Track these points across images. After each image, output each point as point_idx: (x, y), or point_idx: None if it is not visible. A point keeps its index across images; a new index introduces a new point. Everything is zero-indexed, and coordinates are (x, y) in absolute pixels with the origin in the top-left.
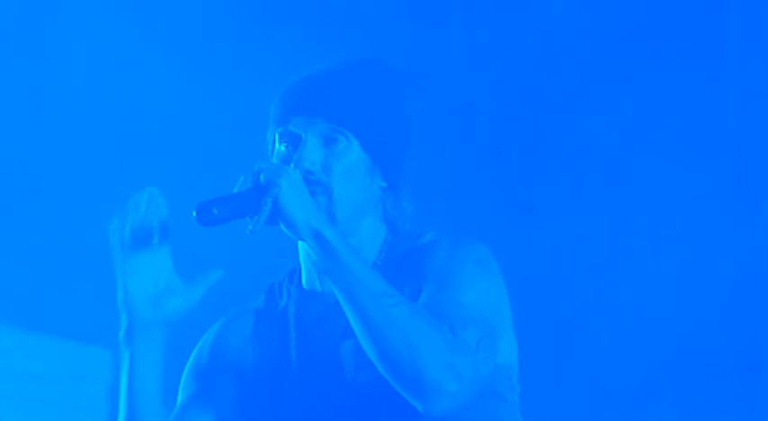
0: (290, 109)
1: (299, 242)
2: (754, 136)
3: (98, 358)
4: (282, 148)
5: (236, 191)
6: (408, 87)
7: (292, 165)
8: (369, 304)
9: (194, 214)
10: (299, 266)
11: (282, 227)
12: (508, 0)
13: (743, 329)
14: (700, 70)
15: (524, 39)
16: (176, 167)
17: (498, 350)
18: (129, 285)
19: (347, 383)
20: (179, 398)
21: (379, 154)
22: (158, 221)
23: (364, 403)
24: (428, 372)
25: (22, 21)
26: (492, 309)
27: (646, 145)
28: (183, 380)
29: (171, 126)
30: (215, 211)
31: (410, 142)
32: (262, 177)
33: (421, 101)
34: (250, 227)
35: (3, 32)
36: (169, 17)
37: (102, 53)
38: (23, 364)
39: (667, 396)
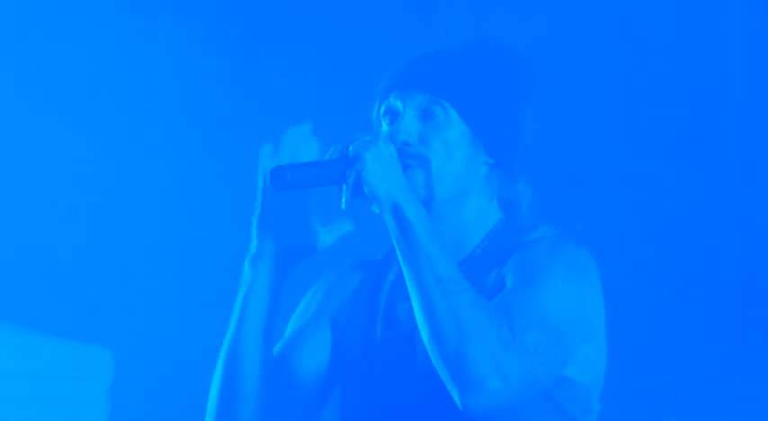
0: (390, 84)
1: None
2: (754, 136)
3: (98, 358)
4: (385, 126)
5: (326, 158)
6: (512, 62)
7: (383, 138)
8: (431, 287)
9: (269, 177)
10: None
11: (369, 202)
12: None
13: (743, 329)
14: (700, 70)
15: (524, 38)
16: (176, 168)
17: (569, 363)
18: (268, 213)
19: (416, 368)
20: (288, 329)
21: (480, 125)
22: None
23: (430, 391)
24: (473, 365)
25: (22, 21)
26: (570, 318)
27: (646, 145)
28: (295, 313)
29: (171, 126)
30: (288, 177)
31: (515, 116)
32: (351, 149)
33: (528, 78)
34: (343, 202)
35: (3, 32)
36: (169, 17)
37: (103, 53)
38: (23, 364)
39: (667, 396)
